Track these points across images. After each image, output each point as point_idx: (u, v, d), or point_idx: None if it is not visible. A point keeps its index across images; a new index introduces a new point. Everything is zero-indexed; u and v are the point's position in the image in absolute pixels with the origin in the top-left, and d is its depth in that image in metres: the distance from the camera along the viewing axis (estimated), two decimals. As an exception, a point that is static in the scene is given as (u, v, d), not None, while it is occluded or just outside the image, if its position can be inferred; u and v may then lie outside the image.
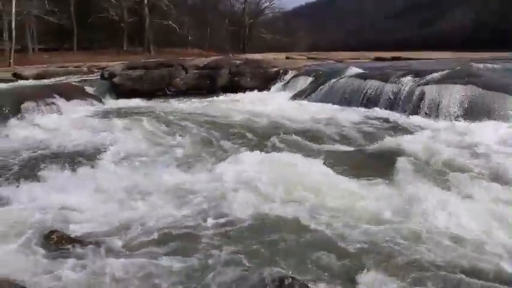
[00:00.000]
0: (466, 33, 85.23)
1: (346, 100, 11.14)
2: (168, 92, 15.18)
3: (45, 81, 18.39)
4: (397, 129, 8.16)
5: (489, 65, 13.40)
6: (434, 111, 8.96)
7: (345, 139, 7.51)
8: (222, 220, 4.20)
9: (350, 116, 9.63)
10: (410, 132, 7.64)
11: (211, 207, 4.45)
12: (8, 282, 3.10)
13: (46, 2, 34.76)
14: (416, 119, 8.84)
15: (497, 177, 5.07)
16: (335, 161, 5.91)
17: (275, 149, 6.67)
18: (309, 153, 6.27)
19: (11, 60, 28.70)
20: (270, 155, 5.91)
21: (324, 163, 5.63)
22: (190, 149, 6.86)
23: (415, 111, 9.29)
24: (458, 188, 4.77)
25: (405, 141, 6.67)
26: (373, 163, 5.98)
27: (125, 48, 46.25)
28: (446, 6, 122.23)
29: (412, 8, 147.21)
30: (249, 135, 7.77)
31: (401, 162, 5.63)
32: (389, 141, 6.76)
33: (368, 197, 4.59)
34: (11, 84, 15.83)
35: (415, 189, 4.62)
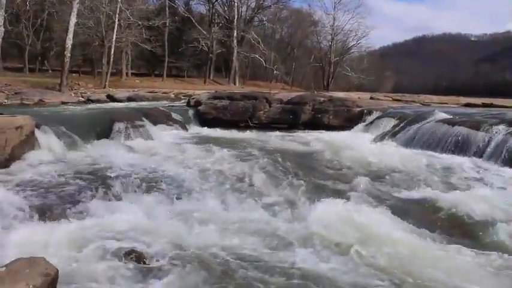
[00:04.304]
0: None
1: (432, 145, 10.69)
2: (250, 123, 15.39)
3: (134, 104, 19.37)
4: (484, 180, 7.64)
5: None
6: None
7: (418, 187, 7.05)
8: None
9: (433, 161, 9.23)
10: (497, 185, 7.18)
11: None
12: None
13: (144, 30, 36.80)
14: (507, 170, 8.27)
15: None
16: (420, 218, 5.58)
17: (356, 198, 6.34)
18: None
19: (106, 83, 30.58)
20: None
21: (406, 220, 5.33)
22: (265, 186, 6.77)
23: (508, 161, 8.71)
24: None
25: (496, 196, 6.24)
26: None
27: (211, 78, 47.85)
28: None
29: (506, 50, 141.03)
30: (330, 175, 7.55)
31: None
32: (464, 194, 6.39)
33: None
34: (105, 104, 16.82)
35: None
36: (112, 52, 31.54)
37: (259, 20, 54.33)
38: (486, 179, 7.65)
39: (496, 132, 9.76)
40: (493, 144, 9.50)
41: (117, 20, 31.04)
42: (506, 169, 8.39)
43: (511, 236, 4.85)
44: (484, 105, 21.69)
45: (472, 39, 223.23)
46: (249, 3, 51.37)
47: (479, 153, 9.58)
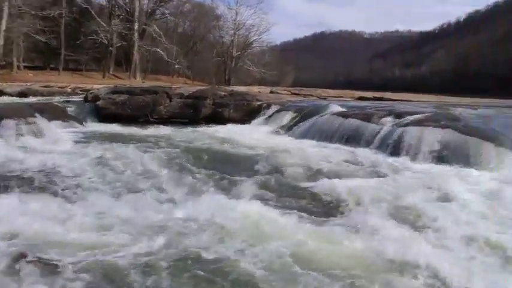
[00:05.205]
0: (447, 77, 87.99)
1: (327, 137, 11.23)
2: (150, 119, 15.18)
3: (27, 100, 18.31)
4: (372, 168, 8.14)
5: (469, 110, 13.67)
6: (413, 153, 9.04)
7: (314, 176, 7.42)
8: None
9: (327, 152, 9.67)
10: (385, 173, 7.65)
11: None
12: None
13: (38, 20, 34.78)
14: (394, 160, 8.87)
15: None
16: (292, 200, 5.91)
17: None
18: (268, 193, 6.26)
19: (-6, 76, 28.58)
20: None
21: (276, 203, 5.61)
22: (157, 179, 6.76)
23: (395, 152, 9.35)
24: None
25: (375, 182, 6.76)
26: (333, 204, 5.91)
27: (111, 72, 46.37)
28: (428, 49, 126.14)
29: (396, 48, 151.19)
30: (221, 168, 7.64)
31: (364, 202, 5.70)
32: (359, 181, 6.84)
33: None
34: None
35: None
36: (1, 43, 29.47)
37: (161, 13, 53.44)
38: (373, 168, 8.16)
39: (384, 124, 10.48)
40: (381, 135, 10.19)
41: (7, 8, 29.01)
42: (392, 158, 9.01)
43: (391, 215, 5.28)
44: (375, 98, 23.10)
45: (366, 36, 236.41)
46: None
47: (370, 144, 10.20)
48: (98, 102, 15.37)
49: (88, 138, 10.82)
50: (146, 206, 5.35)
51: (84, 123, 13.59)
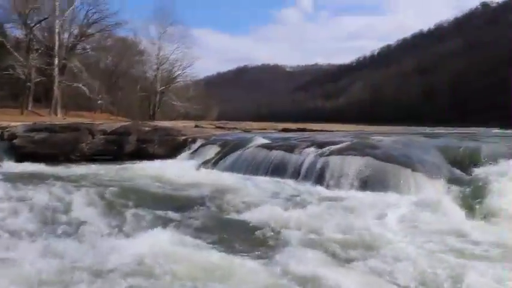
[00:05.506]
0: (364, 107, 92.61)
1: (253, 169, 11.37)
2: (72, 157, 14.67)
3: None
4: (297, 198, 8.31)
5: (386, 138, 14.32)
6: (336, 182, 9.35)
7: (239, 208, 7.47)
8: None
9: (253, 185, 9.79)
10: (309, 202, 7.81)
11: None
12: None
13: None
14: (319, 189, 9.14)
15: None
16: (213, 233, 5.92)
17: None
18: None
19: None
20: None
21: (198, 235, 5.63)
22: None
23: (319, 181, 9.60)
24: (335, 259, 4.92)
25: (299, 212, 6.89)
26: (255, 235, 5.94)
27: (30, 109, 44.38)
28: (347, 81, 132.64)
29: (316, 80, 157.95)
30: (144, 205, 7.48)
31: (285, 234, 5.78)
32: (283, 211, 6.92)
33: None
34: None
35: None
36: None
37: (82, 48, 52.13)
38: (298, 198, 8.35)
39: (307, 154, 10.79)
40: (305, 165, 10.47)
41: None
42: (316, 187, 9.27)
43: (302, 244, 5.38)
44: (299, 129, 23.73)
45: (288, 69, 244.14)
46: (72, 30, 48.98)
47: (295, 175, 10.42)
48: (14, 141, 14.69)
49: (4, 178, 10.27)
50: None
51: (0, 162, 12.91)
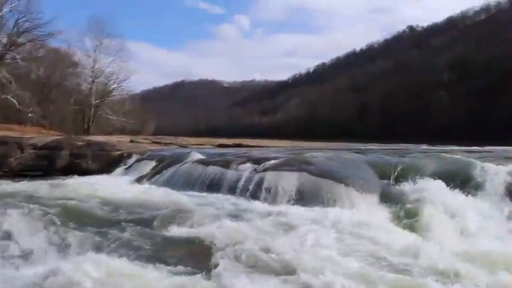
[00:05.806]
0: (300, 123, 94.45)
1: (189, 185, 11.28)
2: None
3: None
4: (232, 213, 8.35)
5: (321, 154, 14.60)
6: (272, 197, 9.45)
7: (173, 225, 7.37)
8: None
9: (188, 200, 9.70)
10: (245, 218, 7.87)
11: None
12: None
13: None
14: (255, 204, 9.18)
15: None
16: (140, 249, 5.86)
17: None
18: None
19: None
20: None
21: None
22: None
23: (255, 196, 9.67)
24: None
25: (234, 227, 6.93)
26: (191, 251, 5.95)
27: (-50, 123, 41.84)
28: (283, 97, 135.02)
29: (253, 97, 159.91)
30: (81, 224, 7.25)
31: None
32: (217, 227, 6.93)
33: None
34: None
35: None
36: None
37: (12, 58, 49.89)
38: (234, 213, 8.38)
39: (243, 170, 10.84)
40: (241, 181, 10.49)
41: None
42: (252, 202, 9.32)
43: (244, 259, 5.37)
44: (235, 145, 23.76)
45: (225, 85, 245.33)
46: (0, 38, 46.81)
47: (232, 190, 10.43)
48: None
49: None
50: None
51: None
